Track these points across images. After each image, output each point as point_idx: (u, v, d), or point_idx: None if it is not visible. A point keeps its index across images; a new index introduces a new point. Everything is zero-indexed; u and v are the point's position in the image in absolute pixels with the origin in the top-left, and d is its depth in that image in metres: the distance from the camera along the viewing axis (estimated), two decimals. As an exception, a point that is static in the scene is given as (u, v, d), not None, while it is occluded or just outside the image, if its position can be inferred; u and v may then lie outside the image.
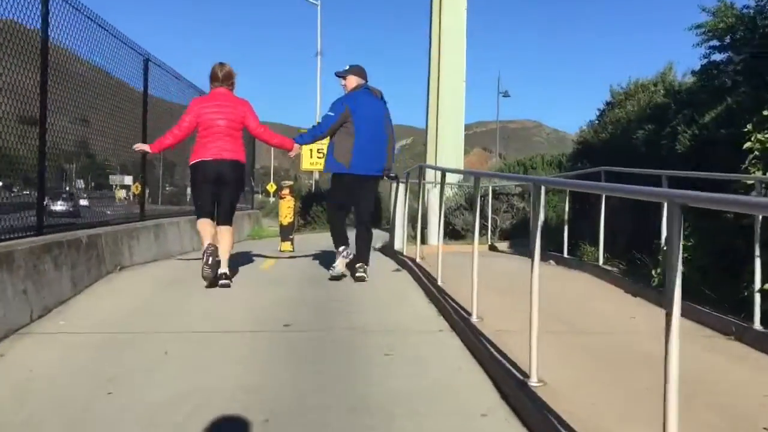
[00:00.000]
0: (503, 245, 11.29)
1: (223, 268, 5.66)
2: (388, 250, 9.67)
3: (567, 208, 8.13)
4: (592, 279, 6.66)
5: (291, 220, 10.14)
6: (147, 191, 8.90)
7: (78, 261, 5.36)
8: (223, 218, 5.73)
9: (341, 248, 6.09)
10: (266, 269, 7.45)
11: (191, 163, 5.72)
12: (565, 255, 7.95)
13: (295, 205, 10.69)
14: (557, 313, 4.58)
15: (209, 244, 5.54)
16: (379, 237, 15.69)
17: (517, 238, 11.60)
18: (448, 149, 13.27)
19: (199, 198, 5.79)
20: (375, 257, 7.80)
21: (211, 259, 5.49)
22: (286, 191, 10.50)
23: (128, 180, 9.21)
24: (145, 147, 6.07)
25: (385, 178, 6.32)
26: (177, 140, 5.75)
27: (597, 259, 7.09)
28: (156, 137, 6.29)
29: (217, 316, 4.68)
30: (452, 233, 11.94)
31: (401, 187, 9.25)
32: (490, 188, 11.37)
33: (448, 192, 11.57)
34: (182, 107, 7.35)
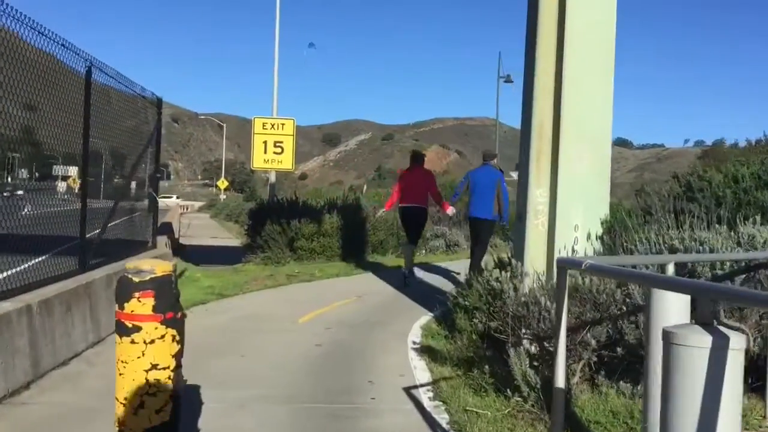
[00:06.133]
0: None
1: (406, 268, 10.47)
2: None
3: None
4: None
5: (167, 419, 2.71)
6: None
7: None
8: (412, 240, 10.56)
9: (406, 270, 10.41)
10: None
11: (399, 206, 10.62)
12: None
13: (180, 348, 2.78)
14: None
15: (408, 270, 10.29)
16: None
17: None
18: (583, 142, 6.74)
19: (403, 225, 10.98)
20: None
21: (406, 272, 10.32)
22: (146, 301, 2.71)
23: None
24: (383, 210, 12.09)
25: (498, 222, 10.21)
26: (395, 199, 10.68)
27: None
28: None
29: None
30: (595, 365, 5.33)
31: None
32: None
33: (587, 246, 4.94)
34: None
